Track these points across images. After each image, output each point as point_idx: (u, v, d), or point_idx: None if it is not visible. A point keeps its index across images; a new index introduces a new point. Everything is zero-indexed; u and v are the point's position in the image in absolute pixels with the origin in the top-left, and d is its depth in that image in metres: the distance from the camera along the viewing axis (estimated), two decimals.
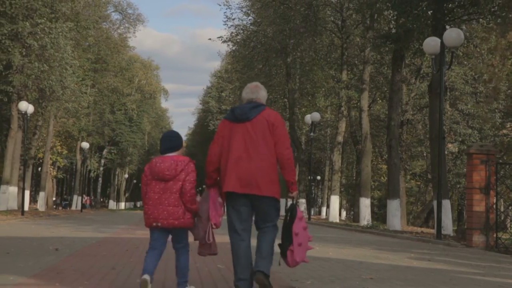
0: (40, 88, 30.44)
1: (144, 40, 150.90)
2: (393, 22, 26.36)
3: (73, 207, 52.90)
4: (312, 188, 51.04)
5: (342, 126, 33.24)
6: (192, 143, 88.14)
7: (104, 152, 70.18)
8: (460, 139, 34.02)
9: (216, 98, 70.92)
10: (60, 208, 54.82)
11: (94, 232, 14.77)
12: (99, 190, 74.39)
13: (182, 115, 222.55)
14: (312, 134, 31.43)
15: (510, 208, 22.29)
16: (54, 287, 5.57)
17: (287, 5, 34.00)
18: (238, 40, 39.24)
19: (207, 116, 73.09)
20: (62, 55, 29.92)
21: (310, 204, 36.11)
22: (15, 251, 8.98)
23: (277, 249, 5.23)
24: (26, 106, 26.60)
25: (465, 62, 32.22)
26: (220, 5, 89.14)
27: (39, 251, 9.00)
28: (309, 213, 32.62)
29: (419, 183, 44.98)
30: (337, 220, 30.84)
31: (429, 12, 20.12)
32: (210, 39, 69.53)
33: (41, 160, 46.36)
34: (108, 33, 50.49)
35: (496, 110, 35.04)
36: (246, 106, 5.20)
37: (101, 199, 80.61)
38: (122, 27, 54.31)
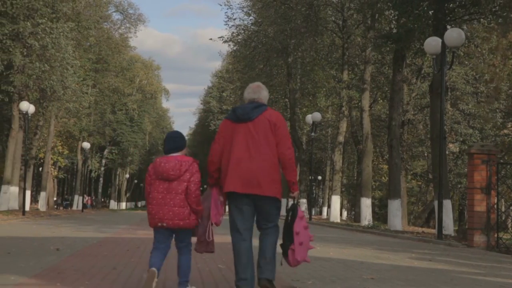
0: (41, 88, 30.45)
1: (145, 40, 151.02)
2: (394, 22, 26.35)
3: (74, 207, 52.91)
4: (313, 188, 51.06)
5: (343, 126, 33.24)
6: (193, 143, 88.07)
7: (105, 152, 70.20)
8: (461, 139, 34.00)
9: (217, 98, 70.91)
10: (61, 208, 54.83)
11: (95, 232, 14.77)
12: (100, 190, 74.44)
13: (183, 115, 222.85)
14: (313, 134, 31.41)
15: (511, 208, 22.26)
16: (55, 287, 5.57)
17: (288, 5, 34.00)
18: (239, 40, 39.25)
19: (208, 116, 73.08)
20: (63, 55, 29.92)
21: (311, 204, 36.11)
22: (16, 251, 8.99)
23: (278, 249, 5.25)
24: (27, 106, 26.61)
25: (466, 62, 32.20)
26: (221, 5, 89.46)
27: (40, 251, 9.00)
28: (310, 213, 32.61)
29: (420, 183, 44.95)
30: (338, 220, 30.83)
31: (430, 12, 20.11)
32: (211, 39, 69.83)
33: (42, 160, 46.38)
34: (109, 33, 50.51)
35: (497, 110, 35.02)
36: (248, 106, 5.21)
37: (102, 199, 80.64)
38: (123, 27, 54.37)
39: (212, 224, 5.25)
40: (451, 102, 34.58)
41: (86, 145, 46.02)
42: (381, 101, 36.90)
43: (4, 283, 5.66)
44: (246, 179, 4.99)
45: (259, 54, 37.48)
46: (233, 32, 39.30)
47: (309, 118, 30.85)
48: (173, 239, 5.27)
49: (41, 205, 40.81)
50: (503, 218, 13.97)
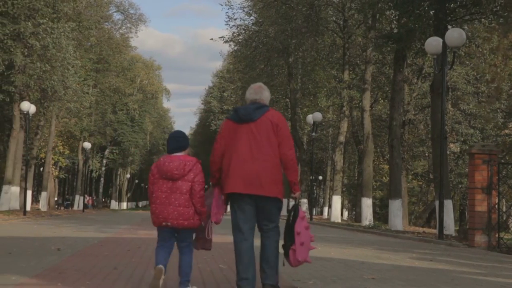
0: (42, 88, 30.46)
1: (146, 40, 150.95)
2: (395, 22, 26.33)
3: (75, 207, 52.92)
4: (314, 188, 51.05)
5: (344, 126, 33.24)
6: (194, 143, 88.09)
7: (106, 152, 70.21)
8: (462, 139, 33.96)
9: (218, 98, 70.92)
10: (62, 208, 54.85)
11: (96, 232, 14.77)
12: (101, 190, 74.45)
13: (184, 115, 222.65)
14: (314, 134, 31.41)
15: None
16: (56, 287, 5.57)
17: (289, 5, 34.01)
18: (240, 40, 39.25)
19: (209, 116, 73.10)
20: (64, 55, 29.92)
21: (312, 204, 36.12)
22: (17, 251, 8.99)
23: (280, 250, 5.26)
24: (28, 106, 26.62)
25: (467, 62, 32.17)
26: (222, 5, 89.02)
27: (41, 251, 9.01)
28: (311, 213, 32.62)
29: (421, 183, 44.92)
30: (339, 220, 30.82)
31: (431, 12, 20.10)
32: (212, 39, 69.70)
33: (43, 160, 46.40)
34: (110, 33, 50.54)
35: (498, 110, 34.99)
36: (250, 107, 5.24)
37: (103, 199, 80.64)
38: (124, 27, 54.40)
39: (212, 222, 5.30)
40: (452, 102, 34.55)
41: (87, 145, 46.04)
42: (382, 101, 36.88)
43: (5, 283, 5.66)
44: (248, 179, 5.02)
45: (260, 54, 37.49)
46: (234, 32, 39.34)
47: (310, 118, 30.85)
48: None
49: (42, 205, 40.83)
50: (504, 218, 13.96)
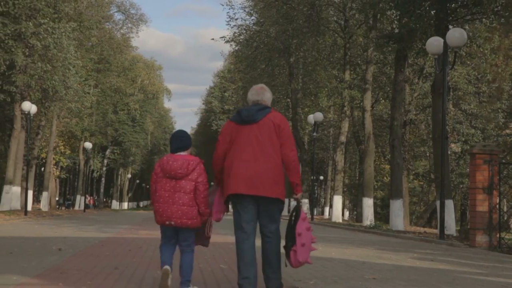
0: (43, 88, 30.48)
1: (147, 40, 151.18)
2: (396, 22, 26.32)
3: (76, 207, 52.95)
4: (315, 188, 51.07)
5: (345, 126, 33.24)
6: (195, 143, 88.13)
7: (107, 152, 70.23)
8: (463, 139, 33.95)
9: (219, 98, 70.95)
10: (63, 208, 54.88)
11: (97, 232, 14.78)
12: (102, 190, 74.47)
13: (185, 115, 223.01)
14: (315, 134, 31.41)
15: None
16: (57, 287, 5.58)
17: (290, 5, 34.00)
18: (241, 40, 39.25)
19: (210, 116, 73.13)
20: (65, 55, 29.93)
21: (313, 204, 36.12)
22: (18, 251, 8.99)
23: (281, 250, 5.29)
24: (29, 106, 26.64)
25: (468, 62, 32.14)
26: (223, 5, 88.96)
27: (42, 251, 9.01)
28: (312, 213, 32.63)
29: (422, 183, 44.89)
30: (340, 220, 30.83)
31: (432, 12, 20.10)
32: (213, 39, 69.78)
33: (44, 160, 46.39)
34: (111, 33, 50.51)
35: (499, 110, 34.97)
36: (252, 108, 5.28)
37: (104, 199, 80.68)
38: (125, 27, 54.35)
39: (212, 220, 5.37)
40: (453, 102, 34.54)
41: (88, 145, 46.06)
42: (383, 101, 36.87)
43: (6, 283, 5.67)
44: (251, 180, 5.05)
45: (261, 54, 37.50)
46: (235, 32, 39.34)
47: (311, 118, 30.85)
48: None
49: (43, 205, 40.85)
50: (505, 218, 13.97)
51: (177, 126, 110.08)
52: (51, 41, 28.72)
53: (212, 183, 5.47)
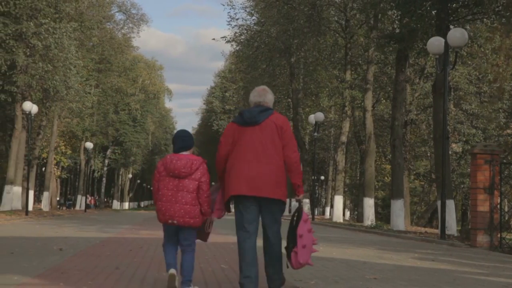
0: (44, 88, 30.48)
1: (148, 40, 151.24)
2: (397, 22, 26.33)
3: (77, 207, 52.95)
4: (316, 188, 51.06)
5: (346, 126, 33.23)
6: (196, 143, 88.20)
7: (108, 152, 70.23)
8: (464, 139, 33.95)
9: (220, 98, 70.94)
10: (64, 208, 54.84)
11: (98, 232, 14.78)
12: (103, 190, 74.50)
13: (186, 115, 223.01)
14: (316, 134, 31.40)
15: None
16: (58, 287, 5.58)
17: (291, 5, 33.99)
18: (241, 40, 39.27)
19: (211, 116, 73.12)
20: (66, 55, 29.93)
21: (314, 204, 36.12)
22: (19, 251, 9.00)
23: (283, 251, 5.31)
24: (30, 106, 26.65)
25: (469, 62, 32.14)
26: (223, 5, 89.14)
27: (43, 251, 9.01)
28: (313, 213, 32.61)
29: (423, 183, 44.91)
30: (341, 220, 30.82)
31: (433, 12, 20.09)
32: (213, 39, 69.92)
33: (45, 160, 46.40)
34: (112, 33, 50.51)
35: (500, 110, 34.97)
36: (254, 110, 5.31)
37: (105, 199, 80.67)
38: (126, 27, 54.35)
39: (213, 217, 5.41)
40: (454, 102, 34.54)
41: (89, 145, 46.06)
42: (384, 101, 36.87)
43: (8, 283, 5.67)
44: (253, 181, 5.09)
45: (262, 54, 37.50)
46: (235, 32, 39.37)
47: (312, 118, 30.84)
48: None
49: (44, 205, 40.86)
50: (506, 218, 13.93)
51: (178, 126, 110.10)
52: (52, 41, 28.72)
53: (213, 183, 5.50)
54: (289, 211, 33.05)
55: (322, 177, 57.68)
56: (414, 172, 40.15)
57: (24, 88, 29.74)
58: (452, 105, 33.75)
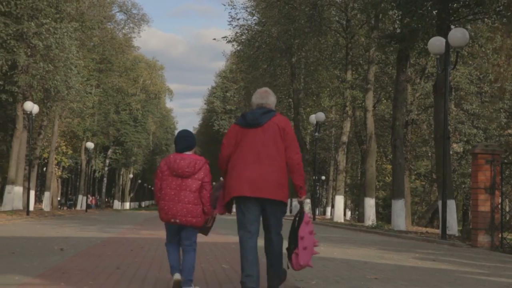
0: (45, 88, 30.49)
1: (148, 40, 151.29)
2: (398, 22, 26.33)
3: (78, 207, 52.98)
4: (317, 188, 51.01)
5: (347, 126, 33.22)
6: (197, 143, 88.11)
7: (109, 152, 70.27)
8: (465, 139, 33.95)
9: (221, 98, 70.96)
10: (65, 208, 54.86)
11: (99, 232, 14.79)
12: (104, 190, 74.53)
13: (186, 115, 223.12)
14: (316, 134, 31.39)
15: None
16: (59, 287, 5.58)
17: (291, 5, 33.99)
18: (242, 40, 39.26)
19: (211, 116, 73.15)
20: (67, 55, 29.95)
21: (314, 204, 36.07)
22: (20, 251, 9.00)
23: (284, 251, 5.33)
24: (31, 106, 26.66)
25: (470, 62, 32.15)
26: (224, 5, 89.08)
27: (44, 251, 9.02)
28: (314, 213, 32.59)
29: (424, 183, 44.90)
30: (342, 220, 30.82)
31: (434, 12, 20.08)
32: (214, 39, 70.00)
33: (46, 160, 46.42)
34: (113, 33, 50.54)
35: (501, 110, 34.97)
36: (257, 111, 5.34)
37: (106, 199, 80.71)
38: (126, 27, 54.38)
39: (216, 213, 5.46)
40: (455, 102, 34.54)
41: (90, 145, 46.07)
42: (385, 101, 36.87)
43: (9, 283, 5.67)
44: (255, 183, 5.11)
45: (262, 54, 37.49)
46: (236, 32, 39.35)
47: (313, 118, 30.84)
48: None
49: (45, 205, 40.87)
50: (507, 218, 13.92)
51: (179, 126, 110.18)
52: (53, 41, 28.73)
53: (214, 183, 5.51)
54: (290, 211, 33.02)
55: (323, 177, 57.65)
56: (415, 172, 40.16)
57: (25, 88, 29.76)
58: (453, 105, 33.75)
